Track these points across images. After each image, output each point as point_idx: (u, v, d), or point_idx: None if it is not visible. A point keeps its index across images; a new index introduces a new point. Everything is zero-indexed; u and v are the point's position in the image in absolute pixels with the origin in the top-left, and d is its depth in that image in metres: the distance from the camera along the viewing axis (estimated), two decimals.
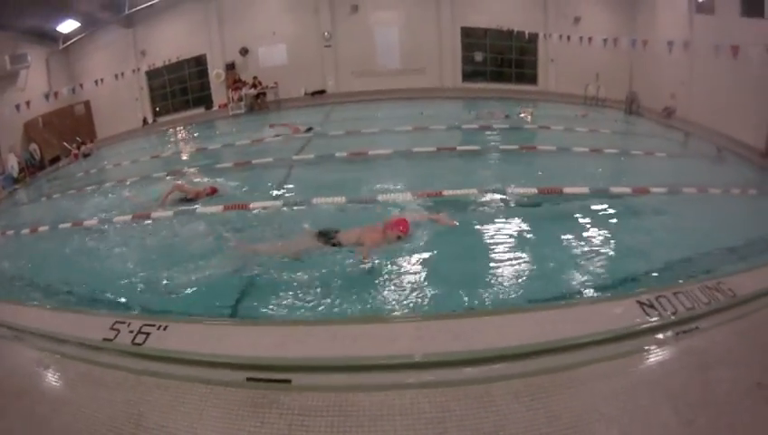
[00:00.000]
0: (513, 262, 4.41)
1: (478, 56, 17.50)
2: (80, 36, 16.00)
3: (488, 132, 10.77)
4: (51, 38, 15.34)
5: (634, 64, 17.75)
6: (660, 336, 2.88)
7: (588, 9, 17.55)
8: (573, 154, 8.88)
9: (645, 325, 2.93)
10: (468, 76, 16.44)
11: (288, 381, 2.55)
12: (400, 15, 15.87)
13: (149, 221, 6.08)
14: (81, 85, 15.00)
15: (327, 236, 4.63)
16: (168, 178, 8.37)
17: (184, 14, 16.87)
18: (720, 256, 4.56)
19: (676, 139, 12.88)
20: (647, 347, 2.78)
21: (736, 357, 2.75)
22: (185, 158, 11.28)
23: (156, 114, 17.21)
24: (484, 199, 6.02)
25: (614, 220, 5.68)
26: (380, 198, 6.03)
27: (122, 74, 15.40)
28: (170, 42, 16.95)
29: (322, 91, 15.76)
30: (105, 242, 5.64)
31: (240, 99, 15.45)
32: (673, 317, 3.02)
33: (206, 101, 16.77)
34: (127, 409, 2.39)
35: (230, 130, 14.37)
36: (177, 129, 15.97)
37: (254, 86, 15.59)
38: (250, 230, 5.44)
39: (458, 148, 9.11)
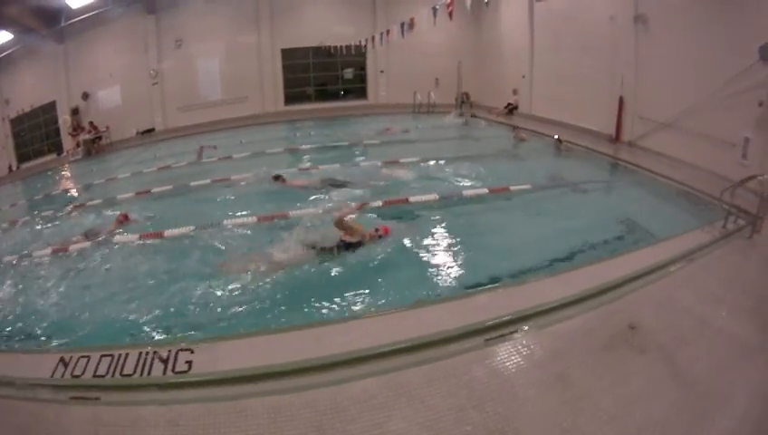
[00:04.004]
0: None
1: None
2: None
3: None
4: None
5: (474, 65, 17.48)
6: None
7: (423, 14, 17.20)
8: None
9: None
10: (291, 99, 16.51)
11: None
12: (221, 46, 16.08)
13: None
14: None
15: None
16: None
17: (38, 61, 17.57)
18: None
19: (487, 134, 12.57)
20: None
21: None
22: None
23: (19, 161, 18.14)
24: None
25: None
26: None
27: None
28: (28, 90, 17.73)
29: (152, 130, 16.22)
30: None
31: (78, 145, 16.10)
32: None
33: (57, 147, 17.54)
34: None
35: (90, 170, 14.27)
36: (38, 174, 16.70)
37: (90, 131, 16.20)
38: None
39: None
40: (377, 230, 5.25)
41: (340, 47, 15.51)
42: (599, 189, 7.68)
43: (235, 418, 2.68)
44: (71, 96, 17.31)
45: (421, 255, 5.16)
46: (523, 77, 15.37)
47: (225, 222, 6.24)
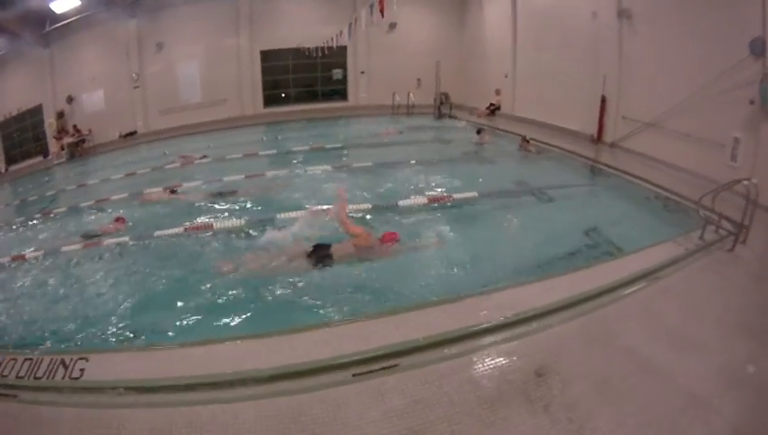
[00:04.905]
0: None
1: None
2: None
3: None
4: None
5: (458, 65, 17.28)
6: None
7: (405, 14, 17.01)
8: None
9: None
10: (271, 101, 16.42)
11: None
12: (200, 48, 16.06)
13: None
14: None
15: (318, 255, 4.76)
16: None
17: (24, 65, 17.79)
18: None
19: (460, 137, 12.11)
20: None
21: None
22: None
23: (8, 163, 18.39)
24: None
25: None
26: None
27: None
28: (15, 93, 17.96)
29: (134, 133, 16.30)
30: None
31: (62, 148, 16.26)
32: None
33: (44, 149, 17.74)
34: None
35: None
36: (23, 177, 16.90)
37: (73, 134, 16.35)
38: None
39: None
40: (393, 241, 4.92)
41: (317, 48, 15.27)
42: (565, 196, 7.08)
43: (98, 424, 2.71)
44: (56, 100, 17.48)
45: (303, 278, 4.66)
46: (506, 76, 15.13)
47: (155, 233, 6.21)
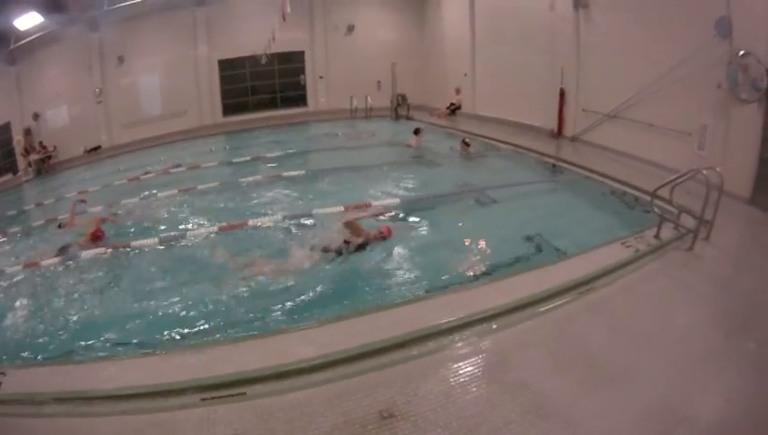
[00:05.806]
0: None
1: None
2: None
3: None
4: None
5: (419, 65, 17.41)
6: None
7: (364, 16, 17.14)
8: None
9: None
10: (229, 110, 16.58)
11: None
12: (160, 60, 16.23)
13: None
14: None
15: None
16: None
17: None
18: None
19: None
20: None
21: None
22: None
23: None
24: None
25: None
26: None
27: None
28: None
29: (98, 148, 16.51)
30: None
31: (30, 165, 16.49)
32: None
33: (13, 167, 17.94)
34: None
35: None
36: None
37: (39, 151, 16.57)
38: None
39: None
40: (381, 232, 5.55)
41: (262, 56, 15.30)
42: (509, 196, 6.74)
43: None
44: (24, 116, 17.67)
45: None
46: (465, 75, 15.21)
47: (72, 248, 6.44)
